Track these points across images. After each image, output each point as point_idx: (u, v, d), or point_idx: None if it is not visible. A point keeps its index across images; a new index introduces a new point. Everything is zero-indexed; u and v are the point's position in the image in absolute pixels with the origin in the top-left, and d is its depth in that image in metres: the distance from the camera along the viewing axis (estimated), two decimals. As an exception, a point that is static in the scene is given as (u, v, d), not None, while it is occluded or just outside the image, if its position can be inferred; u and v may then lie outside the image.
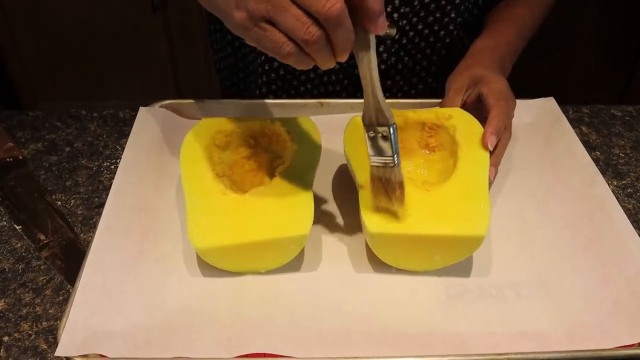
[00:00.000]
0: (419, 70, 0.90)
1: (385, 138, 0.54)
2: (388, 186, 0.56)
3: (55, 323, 0.59)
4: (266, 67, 0.88)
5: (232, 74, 0.99)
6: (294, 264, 0.61)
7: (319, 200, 0.67)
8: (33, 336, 0.58)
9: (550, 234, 0.65)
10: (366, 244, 0.62)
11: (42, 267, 0.65)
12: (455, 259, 0.59)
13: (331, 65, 0.49)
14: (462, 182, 0.61)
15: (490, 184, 0.68)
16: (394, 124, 0.53)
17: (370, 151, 0.56)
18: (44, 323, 0.59)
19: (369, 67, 0.50)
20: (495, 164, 0.67)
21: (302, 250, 0.61)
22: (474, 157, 0.64)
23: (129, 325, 0.55)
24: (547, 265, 0.62)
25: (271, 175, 0.66)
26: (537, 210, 0.68)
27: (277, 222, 0.57)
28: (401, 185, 0.56)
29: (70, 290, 0.60)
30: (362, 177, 0.61)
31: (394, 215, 0.57)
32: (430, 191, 0.60)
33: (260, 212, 0.59)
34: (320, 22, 0.46)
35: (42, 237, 0.67)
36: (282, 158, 0.66)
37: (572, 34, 1.84)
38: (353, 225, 0.65)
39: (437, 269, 0.60)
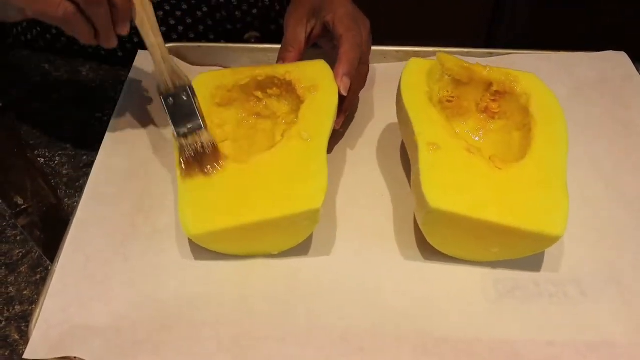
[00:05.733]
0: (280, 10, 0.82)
1: (186, 100, 0.51)
2: (202, 151, 0.50)
3: (30, 307, 0.50)
4: None
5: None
6: (313, 245, 0.51)
7: (336, 168, 0.58)
8: (3, 323, 0.49)
9: (622, 217, 0.54)
10: (393, 222, 0.53)
11: (18, 238, 0.55)
12: (517, 254, 0.49)
13: (114, 42, 0.49)
14: (539, 164, 0.50)
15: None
16: (190, 84, 0.52)
17: (174, 123, 0.51)
18: (17, 307, 0.50)
19: (154, 32, 0.50)
20: (346, 109, 0.58)
21: (322, 229, 0.51)
22: (552, 136, 0.52)
23: (113, 319, 0.46)
24: (619, 257, 0.51)
25: (282, 135, 0.56)
26: (605, 187, 0.57)
27: (282, 196, 0.47)
28: (214, 147, 0.51)
29: (50, 268, 0.51)
30: (425, 134, 0.51)
31: (458, 190, 0.47)
32: (502, 170, 0.49)
33: (263, 185, 0.48)
34: None
35: (20, 201, 0.58)
36: (293, 114, 0.56)
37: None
38: (378, 199, 0.55)
39: (488, 261, 0.50)
